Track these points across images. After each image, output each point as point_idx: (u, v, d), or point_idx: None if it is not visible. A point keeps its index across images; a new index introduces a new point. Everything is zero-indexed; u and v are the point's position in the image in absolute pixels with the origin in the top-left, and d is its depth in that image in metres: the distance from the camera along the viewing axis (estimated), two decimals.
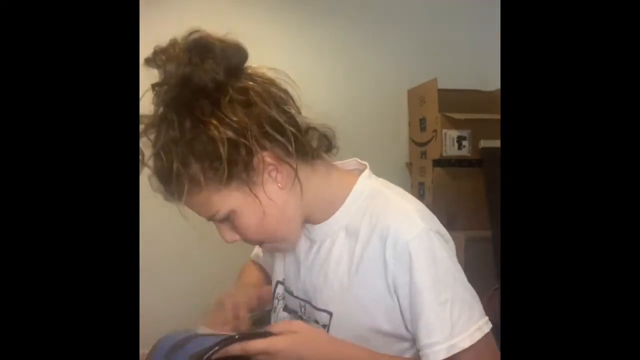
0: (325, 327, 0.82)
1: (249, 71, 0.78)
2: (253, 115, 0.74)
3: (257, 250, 1.09)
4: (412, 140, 2.39)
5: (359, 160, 0.90)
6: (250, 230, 0.80)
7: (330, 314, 0.82)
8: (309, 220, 0.86)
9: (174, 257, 2.37)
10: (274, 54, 2.73)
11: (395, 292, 0.77)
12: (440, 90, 2.12)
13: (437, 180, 2.15)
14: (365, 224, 0.80)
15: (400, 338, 0.81)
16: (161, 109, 0.75)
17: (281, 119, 0.76)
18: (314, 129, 0.81)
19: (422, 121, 2.27)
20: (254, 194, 0.76)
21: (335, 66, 2.52)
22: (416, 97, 2.34)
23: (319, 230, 0.85)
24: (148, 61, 0.74)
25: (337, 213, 0.83)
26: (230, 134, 0.72)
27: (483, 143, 2.07)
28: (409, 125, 2.43)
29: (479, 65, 2.38)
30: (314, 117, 0.82)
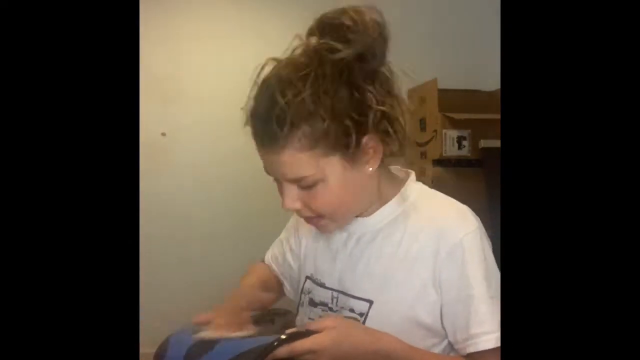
0: (363, 315, 0.84)
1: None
2: (397, 99, 0.80)
3: (273, 252, 1.08)
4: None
5: (401, 168, 0.94)
6: (330, 203, 0.80)
7: (371, 302, 0.83)
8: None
9: (174, 256, 2.36)
10: (273, 53, 2.72)
11: (440, 285, 0.80)
12: (440, 90, 2.12)
13: (437, 180, 2.15)
14: (415, 219, 0.84)
15: (433, 333, 0.83)
16: (322, 62, 0.76)
17: (404, 118, 0.80)
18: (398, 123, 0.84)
19: (422, 121, 2.27)
20: (355, 170, 0.79)
21: None
22: (416, 97, 2.34)
23: (361, 223, 0.87)
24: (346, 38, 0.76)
25: (383, 210, 0.86)
26: (381, 108, 0.76)
27: (483, 143, 2.07)
28: None
29: (479, 65, 2.38)
30: None
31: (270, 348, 0.69)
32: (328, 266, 0.91)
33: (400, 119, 0.80)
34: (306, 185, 0.79)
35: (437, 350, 0.84)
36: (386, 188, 0.88)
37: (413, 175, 0.92)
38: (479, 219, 0.84)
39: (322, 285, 0.91)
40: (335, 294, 0.89)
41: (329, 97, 0.74)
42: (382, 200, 0.87)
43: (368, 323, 0.83)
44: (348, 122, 0.75)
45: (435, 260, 0.80)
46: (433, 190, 0.90)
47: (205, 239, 2.35)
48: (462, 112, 2.11)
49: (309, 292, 0.93)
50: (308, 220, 0.85)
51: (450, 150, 2.12)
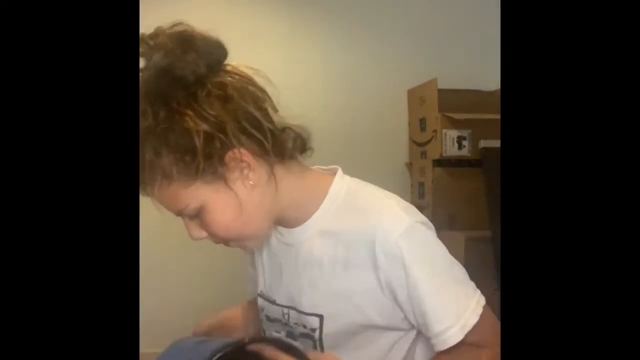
0: (315, 330, 0.82)
1: (228, 68, 0.78)
2: (230, 110, 0.73)
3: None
4: (412, 140, 2.39)
5: (332, 166, 0.89)
6: (219, 227, 0.78)
7: (321, 316, 0.82)
8: (284, 223, 0.85)
9: (174, 256, 2.36)
10: (273, 53, 2.74)
11: (389, 288, 0.78)
12: (440, 90, 2.13)
13: (437, 180, 2.15)
14: (347, 224, 0.80)
15: (390, 331, 0.82)
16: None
17: (259, 116, 0.75)
18: (290, 129, 0.81)
19: (422, 121, 2.27)
20: (228, 189, 0.76)
21: (336, 66, 2.52)
22: (416, 97, 2.34)
23: (296, 233, 0.84)
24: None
25: (314, 216, 0.82)
26: (205, 127, 0.72)
27: (483, 143, 2.07)
28: (409, 125, 2.43)
29: (479, 65, 2.39)
30: (290, 118, 0.81)
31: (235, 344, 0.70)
32: (276, 282, 0.89)
33: (264, 123, 0.76)
34: (192, 215, 0.78)
35: (403, 342, 0.83)
36: (313, 191, 0.84)
37: (339, 172, 0.87)
38: (410, 210, 0.81)
39: (273, 302, 0.89)
40: (285, 310, 0.87)
41: (152, 134, 0.71)
42: (312, 206, 0.83)
43: (324, 338, 0.82)
44: (179, 153, 0.72)
45: (376, 266, 0.77)
46: (359, 185, 0.85)
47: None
48: (462, 112, 2.12)
49: (263, 310, 0.91)
50: (225, 244, 0.83)
51: (450, 150, 2.12)
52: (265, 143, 0.75)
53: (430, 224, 0.82)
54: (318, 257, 0.82)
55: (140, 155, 0.71)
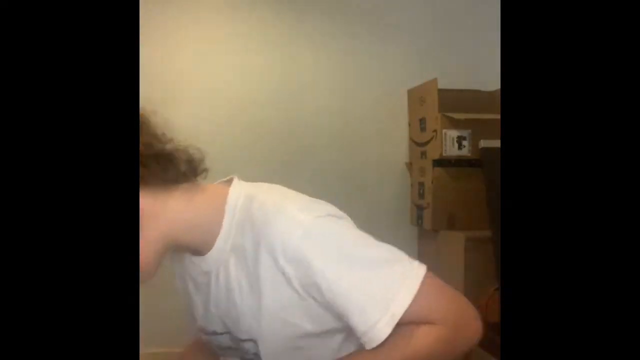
0: (257, 355, 0.79)
1: None
2: None
3: None
4: (412, 140, 2.39)
5: (229, 177, 0.84)
6: None
7: (255, 340, 0.78)
8: (192, 250, 0.81)
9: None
10: (273, 53, 2.74)
11: (308, 293, 0.73)
12: (440, 90, 2.13)
13: (437, 180, 2.15)
14: (248, 239, 0.75)
15: (331, 333, 0.78)
16: None
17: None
18: (177, 154, 0.77)
19: (422, 121, 2.27)
20: None
21: (335, 66, 2.52)
22: (416, 97, 2.34)
23: (209, 259, 0.79)
24: None
25: (219, 236, 0.77)
26: None
27: (483, 143, 2.07)
28: (409, 125, 2.43)
29: (479, 65, 2.39)
30: (182, 141, 0.78)
31: None
32: (209, 312, 0.84)
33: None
34: None
35: (349, 343, 0.79)
36: (210, 212, 0.78)
37: (235, 181, 0.81)
38: (312, 206, 0.76)
39: (214, 334, 0.86)
40: (227, 337, 0.84)
41: None
42: (215, 225, 0.78)
43: (264, 357, 0.78)
44: None
45: (287, 276, 0.72)
46: (257, 191, 0.79)
47: None
48: (462, 112, 2.12)
49: (210, 342, 0.88)
50: None
51: (450, 150, 2.12)
52: (145, 173, 0.71)
53: (338, 214, 0.77)
54: (235, 278, 0.78)
55: None
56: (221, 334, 0.84)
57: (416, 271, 0.74)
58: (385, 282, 0.72)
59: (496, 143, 1.99)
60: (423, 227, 2.26)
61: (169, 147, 0.76)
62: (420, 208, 2.27)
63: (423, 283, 0.73)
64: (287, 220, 0.73)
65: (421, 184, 2.26)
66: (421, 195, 2.26)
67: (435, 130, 2.15)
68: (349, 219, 0.78)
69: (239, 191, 0.79)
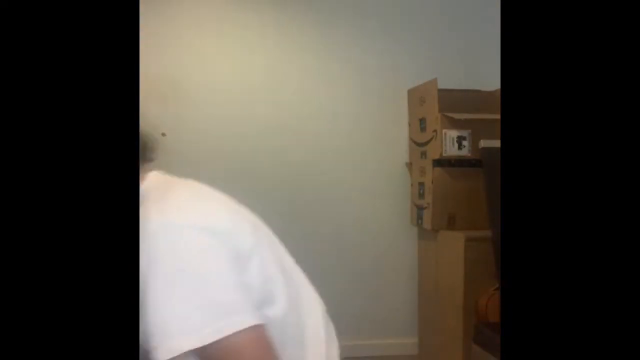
0: None
1: None
2: None
3: None
4: (412, 140, 2.39)
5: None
6: None
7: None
8: None
9: None
10: (273, 53, 2.73)
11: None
12: (440, 90, 2.13)
13: (437, 180, 2.15)
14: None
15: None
16: None
17: None
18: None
19: (422, 121, 2.27)
20: None
21: (335, 66, 2.52)
22: (416, 97, 2.34)
23: None
24: None
25: None
26: None
27: (483, 143, 2.07)
28: (409, 125, 2.43)
29: (479, 65, 2.39)
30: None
31: None
32: None
33: None
34: None
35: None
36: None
37: (150, 175, 0.79)
38: (195, 212, 0.72)
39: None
40: None
41: None
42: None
43: None
44: None
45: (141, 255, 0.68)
46: (161, 185, 0.77)
47: None
48: (462, 112, 2.12)
49: None
50: None
51: (450, 150, 2.12)
52: None
53: (215, 232, 0.71)
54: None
55: None
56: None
57: (234, 325, 0.67)
58: (187, 316, 0.67)
59: (496, 143, 1.99)
60: (423, 227, 2.26)
61: None
62: (420, 208, 2.27)
63: (236, 338, 0.67)
64: (162, 210, 0.71)
65: (421, 184, 2.26)
66: (421, 195, 2.26)
67: (435, 130, 2.15)
68: (231, 240, 0.73)
69: (154, 178, 0.78)
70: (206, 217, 0.73)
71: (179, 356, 0.65)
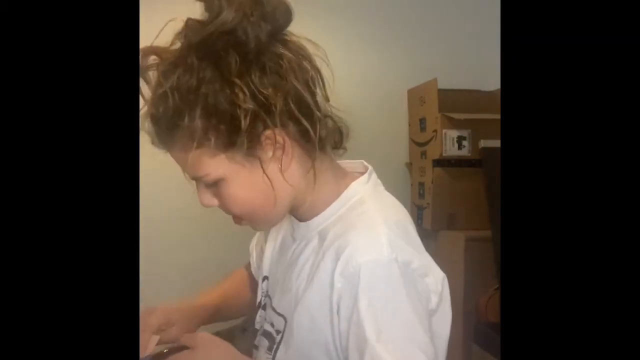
0: (280, 333, 0.78)
1: (289, 38, 0.72)
2: (281, 91, 0.68)
3: (250, 247, 1.03)
4: (412, 140, 2.39)
5: (365, 163, 0.84)
6: (234, 203, 0.75)
7: (286, 319, 0.78)
8: (296, 214, 0.81)
9: (174, 255, 2.36)
10: None
11: (338, 313, 0.69)
12: (440, 90, 2.12)
13: (437, 180, 2.15)
14: (332, 233, 0.74)
15: None
16: (186, 48, 0.69)
17: (309, 100, 0.71)
18: (332, 120, 0.77)
19: (422, 121, 2.27)
20: (255, 167, 0.71)
21: (335, 66, 2.52)
22: (416, 97, 2.34)
23: (302, 229, 0.81)
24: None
25: (319, 216, 0.78)
26: (253, 105, 0.67)
27: (483, 143, 2.07)
28: (409, 125, 2.43)
29: (479, 65, 2.38)
30: (335, 108, 0.78)
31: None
32: (275, 272, 0.86)
33: (314, 109, 0.71)
34: (209, 184, 0.74)
35: None
36: (329, 190, 0.78)
37: (366, 175, 0.81)
38: (400, 245, 0.70)
39: (263, 280, 0.88)
40: (264, 298, 0.85)
41: (192, 92, 0.67)
42: (322, 204, 0.78)
43: (283, 343, 0.77)
44: (216, 121, 0.67)
45: (333, 284, 0.69)
46: (373, 199, 0.78)
47: (206, 238, 2.35)
48: (462, 112, 2.11)
49: (267, 296, 0.87)
50: (233, 219, 0.79)
51: (450, 150, 2.12)
52: (311, 131, 0.71)
53: (416, 271, 0.71)
54: (304, 259, 0.78)
55: (172, 111, 0.68)
56: (262, 289, 0.86)
57: None
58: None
59: (496, 143, 1.99)
60: (423, 227, 2.26)
61: (325, 109, 0.76)
62: (420, 208, 2.27)
63: None
64: (371, 241, 0.70)
65: (421, 184, 2.26)
66: (421, 195, 2.26)
67: (435, 130, 2.15)
68: (431, 281, 0.73)
69: (361, 188, 0.78)
70: (408, 252, 0.72)
71: None
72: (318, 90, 0.74)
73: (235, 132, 0.68)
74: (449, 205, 2.14)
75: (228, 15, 0.66)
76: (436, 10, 2.57)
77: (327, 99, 0.75)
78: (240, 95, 0.66)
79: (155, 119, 0.70)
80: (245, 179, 0.72)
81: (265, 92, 0.67)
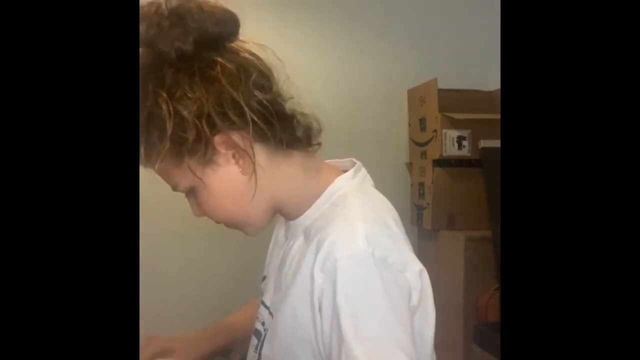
0: (267, 330, 0.79)
1: (232, 45, 0.75)
2: (213, 92, 0.70)
3: None
4: (412, 140, 2.39)
5: (354, 160, 0.85)
6: (209, 209, 0.78)
7: (272, 314, 0.78)
8: (284, 214, 0.83)
9: (175, 256, 2.36)
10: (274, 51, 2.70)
11: (320, 311, 0.69)
12: (440, 90, 2.12)
13: (437, 180, 2.15)
14: (314, 229, 0.74)
15: None
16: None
17: (246, 100, 0.71)
18: (299, 117, 0.78)
19: (422, 121, 2.27)
20: (218, 172, 0.74)
21: (335, 66, 2.52)
22: (416, 97, 2.34)
23: (291, 228, 0.82)
24: None
25: (305, 213, 0.79)
26: (182, 109, 0.69)
27: (483, 143, 2.07)
28: (409, 125, 2.43)
29: (479, 65, 2.38)
30: (304, 106, 0.79)
31: None
32: (268, 271, 0.89)
33: (257, 107, 0.71)
34: (186, 193, 0.78)
35: None
36: (313, 187, 0.79)
37: (351, 171, 0.80)
38: (379, 241, 0.69)
39: (262, 279, 0.90)
40: (267, 296, 0.85)
41: (142, 104, 0.70)
42: (308, 202, 0.79)
43: (267, 340, 0.77)
44: (157, 132, 0.70)
45: (313, 280, 0.69)
46: (354, 193, 0.77)
47: (206, 238, 2.35)
48: (462, 112, 2.11)
49: (262, 295, 0.89)
50: (226, 226, 0.82)
51: (450, 150, 2.12)
52: (265, 129, 0.72)
53: (394, 265, 0.69)
54: (292, 256, 0.78)
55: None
56: (262, 288, 0.88)
57: None
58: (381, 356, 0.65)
59: (496, 143, 1.99)
60: (423, 227, 2.26)
61: (289, 107, 0.77)
62: (420, 208, 2.27)
63: None
64: (347, 236, 0.69)
65: (421, 184, 2.26)
66: (421, 195, 2.26)
67: (435, 130, 2.15)
68: (411, 278, 0.70)
69: (345, 184, 0.79)
70: (387, 248, 0.71)
71: None
72: (269, 92, 0.75)
73: (179, 143, 0.71)
74: (449, 205, 2.14)
75: (141, 28, 0.69)
76: (436, 10, 2.57)
77: (278, 96, 0.76)
78: (161, 102, 0.69)
79: None
80: (212, 185, 0.75)
81: (192, 95, 0.69)
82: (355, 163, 0.84)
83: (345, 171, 0.82)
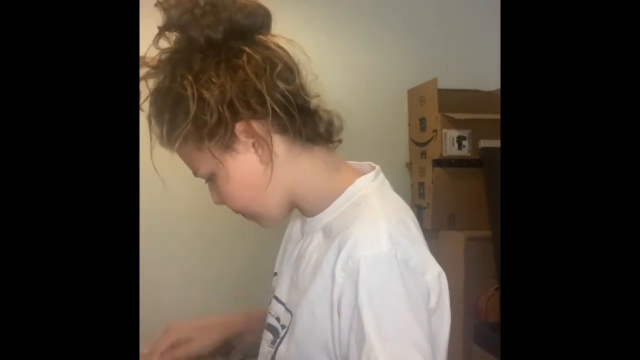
0: (284, 328, 0.78)
1: (261, 37, 0.76)
2: (237, 80, 0.71)
3: None
4: (412, 140, 2.39)
5: (372, 164, 0.85)
6: (226, 197, 0.78)
7: (292, 313, 0.77)
8: (302, 210, 0.83)
9: (175, 256, 2.36)
10: None
11: (339, 309, 0.69)
12: (440, 90, 2.13)
13: (437, 180, 2.15)
14: (335, 228, 0.74)
15: None
16: (163, 55, 0.75)
17: (269, 90, 0.72)
18: (322, 113, 0.79)
19: (422, 121, 2.27)
20: (237, 160, 0.75)
21: (335, 66, 2.52)
22: (416, 97, 2.34)
23: (309, 224, 0.82)
24: (158, 3, 0.73)
25: (325, 211, 0.79)
26: (204, 92, 0.71)
27: (483, 143, 2.07)
28: (409, 125, 2.43)
29: (479, 65, 2.38)
30: (326, 102, 0.80)
31: None
32: (282, 259, 0.89)
33: (280, 99, 0.72)
34: (206, 179, 0.79)
35: None
36: (333, 185, 0.79)
37: (372, 173, 0.81)
38: (401, 243, 0.69)
39: (274, 274, 0.90)
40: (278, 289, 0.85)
41: (166, 92, 0.73)
42: (327, 200, 0.79)
43: (286, 338, 0.76)
44: (183, 116, 0.72)
45: (335, 279, 0.69)
46: (374, 194, 0.78)
47: (207, 238, 2.35)
48: (462, 112, 2.12)
49: (274, 290, 0.88)
50: (244, 216, 0.82)
51: (450, 150, 2.12)
52: (286, 121, 0.73)
53: (415, 268, 0.69)
54: (310, 253, 0.78)
55: (156, 112, 0.74)
56: (276, 297, 0.86)
57: None
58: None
59: (496, 143, 1.99)
60: (423, 227, 2.25)
61: (313, 102, 0.78)
62: (420, 208, 2.27)
63: None
64: (370, 236, 0.69)
65: (421, 184, 2.26)
66: (421, 195, 2.26)
67: (435, 130, 2.15)
68: (431, 280, 0.71)
69: (365, 185, 0.79)
70: (408, 250, 0.71)
71: None
72: (292, 84, 0.76)
73: (200, 125, 0.72)
74: (449, 205, 2.14)
75: (174, 14, 0.72)
76: (436, 10, 2.57)
77: (302, 89, 0.77)
78: (187, 85, 0.71)
79: (149, 119, 0.76)
80: (230, 172, 0.76)
81: (216, 80, 0.71)
82: (374, 167, 0.84)
83: (363, 174, 0.82)
